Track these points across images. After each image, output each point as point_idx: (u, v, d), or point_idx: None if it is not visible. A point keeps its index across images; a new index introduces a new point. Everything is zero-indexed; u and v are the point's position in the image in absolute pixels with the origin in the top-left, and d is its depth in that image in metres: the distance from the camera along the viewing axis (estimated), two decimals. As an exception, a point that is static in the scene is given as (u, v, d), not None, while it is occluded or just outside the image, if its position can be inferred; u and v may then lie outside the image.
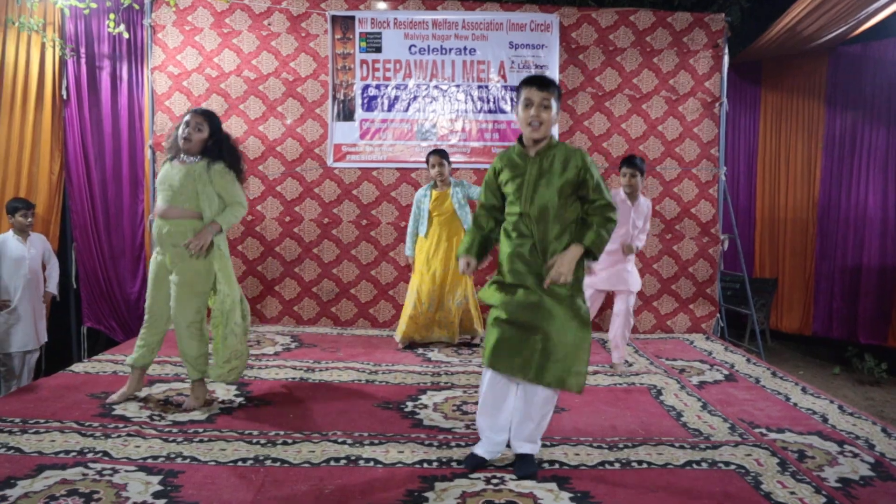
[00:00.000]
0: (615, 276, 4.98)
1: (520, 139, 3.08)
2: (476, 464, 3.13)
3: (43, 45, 6.04)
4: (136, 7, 6.29)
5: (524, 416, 3.09)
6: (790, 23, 6.24)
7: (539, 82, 2.92)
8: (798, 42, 6.82)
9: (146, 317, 4.00)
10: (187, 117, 3.83)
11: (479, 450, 3.17)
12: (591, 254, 3.00)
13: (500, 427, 3.13)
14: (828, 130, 7.44)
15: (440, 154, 5.42)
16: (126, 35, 6.30)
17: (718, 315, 6.55)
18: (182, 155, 3.85)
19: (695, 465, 3.21)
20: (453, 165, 5.80)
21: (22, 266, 5.14)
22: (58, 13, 6.12)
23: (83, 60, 6.33)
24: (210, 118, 3.88)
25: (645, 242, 5.20)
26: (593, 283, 5.03)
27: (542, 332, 2.94)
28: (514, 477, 3.04)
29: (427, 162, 5.50)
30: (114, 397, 4.02)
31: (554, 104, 2.93)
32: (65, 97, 6.30)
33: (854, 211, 7.21)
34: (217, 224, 3.81)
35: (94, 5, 5.99)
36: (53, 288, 5.52)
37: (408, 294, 5.65)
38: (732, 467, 3.19)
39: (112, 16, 6.12)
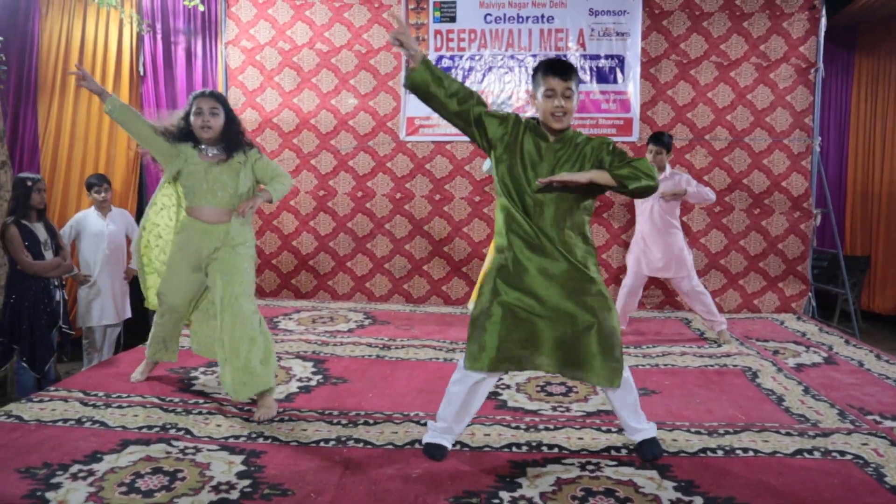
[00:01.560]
0: (665, 260, 4.97)
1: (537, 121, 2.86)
2: (444, 454, 2.96)
3: (121, 21, 6.09)
4: (213, -20, 6.28)
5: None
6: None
7: (561, 71, 2.72)
8: (901, 1, 6.34)
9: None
10: (199, 103, 3.45)
11: (446, 441, 2.99)
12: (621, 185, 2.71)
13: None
14: (930, 98, 6.93)
15: None
16: (202, 8, 6.29)
17: (810, 294, 6.21)
18: (203, 147, 3.51)
19: (806, 454, 2.99)
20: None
21: (102, 241, 5.18)
22: (135, -12, 6.16)
23: (159, 36, 6.37)
24: (221, 99, 3.54)
25: (711, 194, 5.04)
26: (645, 268, 5.06)
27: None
28: (610, 463, 2.89)
29: None
30: (136, 375, 3.96)
31: (575, 91, 2.76)
32: (142, 73, 6.36)
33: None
34: (268, 193, 3.46)
35: (171, -22, 6.00)
36: (135, 264, 5.56)
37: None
38: (849, 457, 2.95)
39: (188, -10, 6.13)
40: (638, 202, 5.13)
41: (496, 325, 2.78)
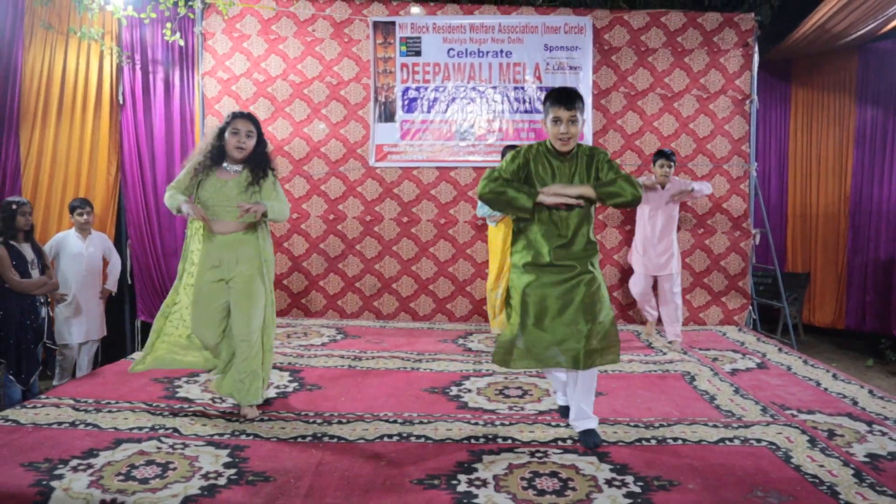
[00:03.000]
0: (664, 259, 5.63)
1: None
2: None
3: (101, 53, 6.38)
4: (192, 16, 6.62)
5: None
6: (820, 20, 6.36)
7: (566, 101, 3.18)
8: (828, 39, 6.93)
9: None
10: (237, 124, 3.64)
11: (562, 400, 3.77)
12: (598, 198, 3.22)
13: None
14: (858, 126, 7.52)
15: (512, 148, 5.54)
16: (181, 43, 6.63)
17: (751, 307, 6.69)
18: (225, 164, 3.68)
19: (727, 442, 3.40)
20: (491, 165, 6.02)
21: (80, 262, 5.45)
22: (115, 23, 6.47)
23: (138, 67, 6.67)
24: (256, 123, 3.73)
25: (707, 187, 5.81)
26: (651, 268, 5.68)
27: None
28: (556, 451, 3.26)
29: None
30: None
31: (580, 117, 3.22)
32: (121, 102, 6.64)
33: (886, 205, 7.27)
34: (264, 206, 3.58)
35: (153, 15, 6.33)
36: (111, 285, 5.79)
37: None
38: (764, 444, 3.37)
39: (169, 24, 6.47)
40: (647, 208, 5.71)
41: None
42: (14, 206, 4.80)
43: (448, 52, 6.60)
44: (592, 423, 3.42)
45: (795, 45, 7.23)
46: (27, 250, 4.88)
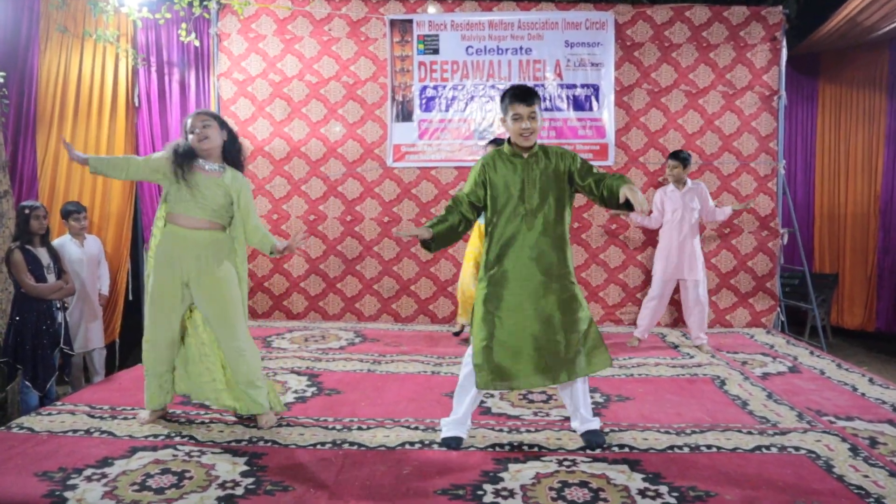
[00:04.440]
0: (686, 263, 5.46)
1: (508, 141, 3.33)
2: (459, 444, 3.34)
3: (117, 56, 6.33)
4: (206, 17, 6.56)
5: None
6: (851, 13, 6.17)
7: (524, 98, 3.18)
8: (858, 33, 6.74)
9: (157, 353, 3.63)
10: (190, 120, 3.54)
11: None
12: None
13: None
14: (890, 123, 7.30)
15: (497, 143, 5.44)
16: (197, 43, 6.57)
17: (779, 309, 6.51)
18: (201, 161, 3.54)
19: (764, 450, 3.26)
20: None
21: (81, 268, 5.33)
22: (130, 25, 6.41)
23: (153, 69, 6.61)
24: (213, 115, 3.61)
25: (727, 214, 5.76)
26: (671, 272, 5.51)
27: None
28: (585, 459, 3.13)
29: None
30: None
31: (538, 112, 3.21)
32: (137, 105, 6.59)
33: (919, 204, 7.07)
34: (273, 244, 3.69)
35: (168, 15, 6.27)
36: (106, 289, 5.68)
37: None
38: (802, 452, 3.23)
39: (184, 25, 6.41)
40: (668, 211, 5.56)
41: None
42: (27, 211, 4.74)
43: (466, 49, 6.48)
44: (595, 424, 3.40)
45: (824, 39, 7.03)
46: (43, 254, 4.81)
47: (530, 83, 6.44)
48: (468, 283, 5.35)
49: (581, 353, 3.20)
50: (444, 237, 3.26)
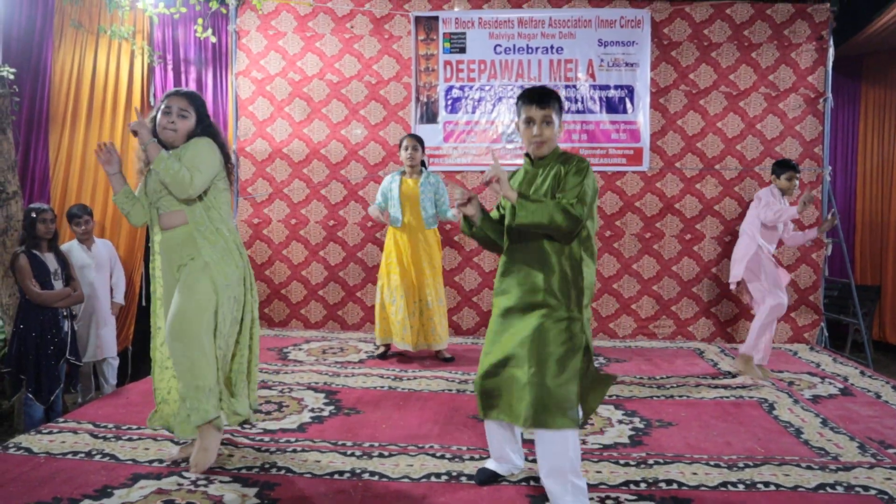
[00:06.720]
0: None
1: None
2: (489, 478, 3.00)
3: (132, 53, 6.13)
4: (224, 11, 6.33)
5: None
6: (900, 13, 5.83)
7: (539, 99, 2.73)
8: (907, 34, 6.38)
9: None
10: (167, 102, 3.06)
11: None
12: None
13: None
14: (938, 127, 6.94)
15: (415, 138, 5.12)
16: (213, 39, 6.35)
17: (822, 324, 6.15)
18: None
19: (829, 489, 2.93)
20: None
21: (88, 274, 5.04)
22: (146, 21, 6.20)
23: (170, 67, 6.40)
24: (195, 101, 3.14)
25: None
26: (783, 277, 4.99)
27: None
28: (630, 497, 2.82)
29: (400, 145, 5.12)
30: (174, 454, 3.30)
31: (556, 119, 2.76)
32: (152, 104, 6.37)
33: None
34: (158, 148, 2.98)
35: (183, 10, 6.03)
36: (120, 298, 5.37)
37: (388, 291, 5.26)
38: (872, 492, 2.90)
39: (200, 20, 6.18)
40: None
41: None
42: (34, 214, 4.50)
43: (495, 48, 6.20)
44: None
45: (868, 40, 6.68)
46: (50, 260, 4.58)
47: (561, 84, 6.15)
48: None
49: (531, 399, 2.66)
50: (490, 229, 2.90)
